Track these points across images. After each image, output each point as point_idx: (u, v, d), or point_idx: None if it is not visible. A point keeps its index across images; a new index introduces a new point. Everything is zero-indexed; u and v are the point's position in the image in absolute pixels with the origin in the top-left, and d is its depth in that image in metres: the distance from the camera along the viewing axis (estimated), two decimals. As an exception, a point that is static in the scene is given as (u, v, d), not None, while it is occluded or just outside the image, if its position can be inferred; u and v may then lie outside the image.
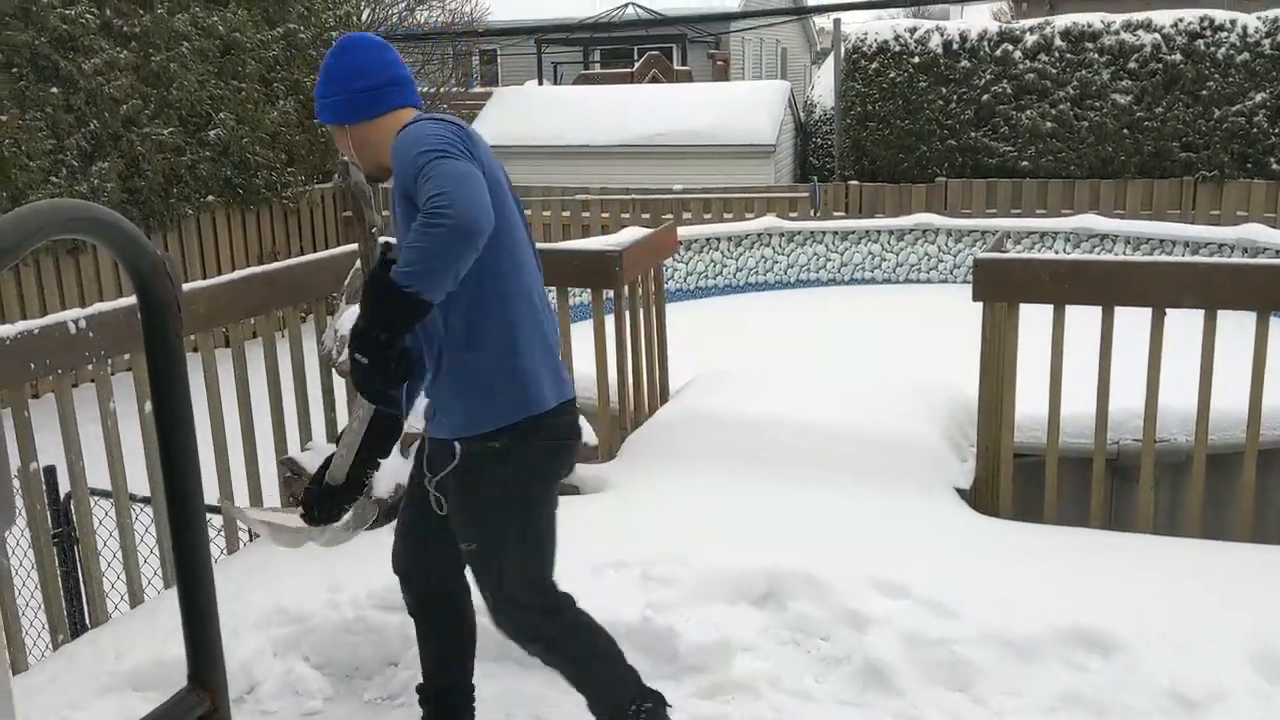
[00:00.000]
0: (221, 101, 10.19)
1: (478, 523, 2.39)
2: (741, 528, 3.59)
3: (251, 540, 3.81)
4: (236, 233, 10.59)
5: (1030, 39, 13.14)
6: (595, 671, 2.52)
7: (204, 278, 5.90)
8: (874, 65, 13.68)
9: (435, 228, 2.01)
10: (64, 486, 3.89)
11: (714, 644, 2.98)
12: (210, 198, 10.08)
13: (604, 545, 3.46)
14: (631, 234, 4.56)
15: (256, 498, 3.85)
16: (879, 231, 10.07)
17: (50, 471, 3.95)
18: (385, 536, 3.48)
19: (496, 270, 2.27)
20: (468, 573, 2.51)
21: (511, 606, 2.42)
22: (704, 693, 2.89)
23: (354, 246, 3.87)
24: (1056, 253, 9.53)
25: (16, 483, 2.75)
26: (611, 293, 4.38)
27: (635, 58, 21.53)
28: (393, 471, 3.64)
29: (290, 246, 11.17)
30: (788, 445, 4.12)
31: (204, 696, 1.34)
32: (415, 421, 2.67)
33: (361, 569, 3.27)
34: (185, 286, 3.54)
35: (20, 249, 1.05)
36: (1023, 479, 4.01)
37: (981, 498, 4.01)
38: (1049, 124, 12.98)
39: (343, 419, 4.21)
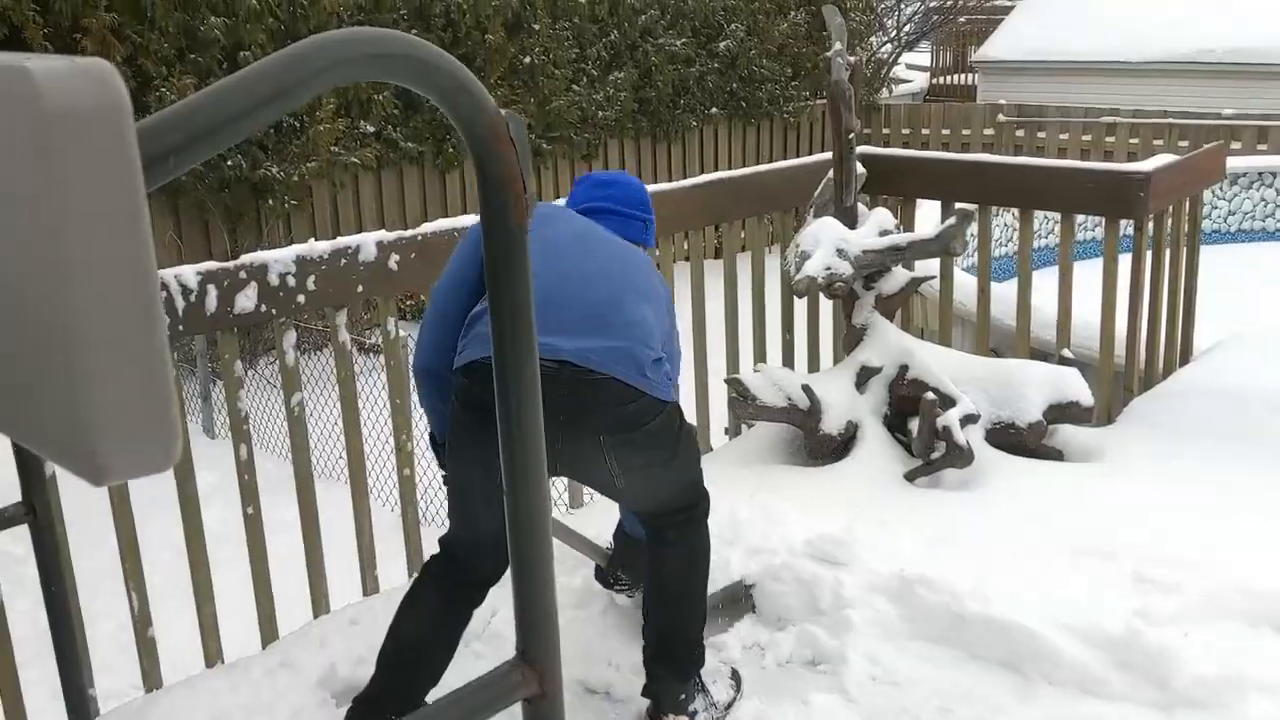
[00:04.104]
0: (734, 13, 10.22)
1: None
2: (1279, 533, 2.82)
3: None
4: (736, 147, 10.63)
5: None
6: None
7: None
8: None
9: None
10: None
11: (1221, 677, 2.38)
12: (714, 110, 10.18)
13: (1089, 526, 2.90)
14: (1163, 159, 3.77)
15: (703, 415, 3.66)
16: None
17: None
18: (821, 478, 3.15)
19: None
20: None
21: None
22: (1200, 736, 2.27)
23: (829, 155, 3.50)
24: None
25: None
26: (1131, 224, 3.64)
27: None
28: (846, 409, 3.27)
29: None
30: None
31: (531, 677, 1.07)
32: None
33: (808, 515, 2.96)
34: (651, 188, 3.37)
35: (302, 89, 0.77)
36: None
37: None
38: None
39: (801, 342, 3.90)
